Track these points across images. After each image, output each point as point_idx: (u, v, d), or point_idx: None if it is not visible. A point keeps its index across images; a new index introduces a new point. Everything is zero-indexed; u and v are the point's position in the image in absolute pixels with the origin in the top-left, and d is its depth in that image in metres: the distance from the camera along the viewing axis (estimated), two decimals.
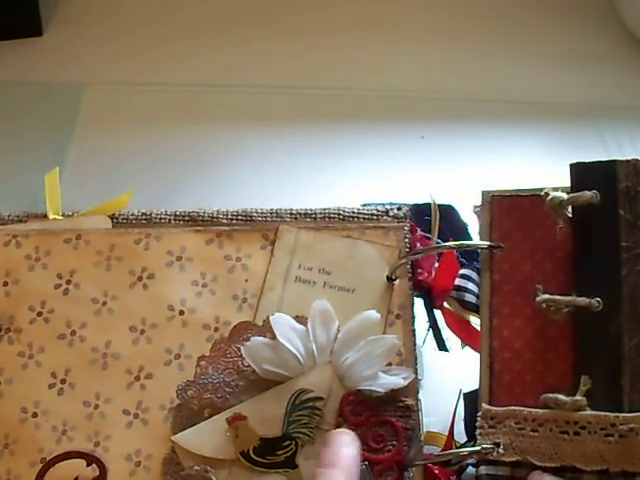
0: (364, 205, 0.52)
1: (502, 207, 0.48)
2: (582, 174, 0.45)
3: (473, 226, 0.50)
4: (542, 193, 0.46)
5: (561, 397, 0.42)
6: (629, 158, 0.43)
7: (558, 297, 0.44)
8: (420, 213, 0.51)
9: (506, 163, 0.66)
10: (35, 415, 0.46)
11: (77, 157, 0.64)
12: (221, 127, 0.67)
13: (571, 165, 0.45)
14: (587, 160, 0.45)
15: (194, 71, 0.71)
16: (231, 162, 0.65)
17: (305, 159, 0.66)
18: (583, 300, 0.43)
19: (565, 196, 0.45)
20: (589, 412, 0.41)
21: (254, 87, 0.70)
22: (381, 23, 0.74)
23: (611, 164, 0.44)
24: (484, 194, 0.49)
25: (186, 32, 0.74)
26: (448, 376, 0.52)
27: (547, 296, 0.44)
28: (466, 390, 0.47)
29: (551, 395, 0.42)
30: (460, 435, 0.47)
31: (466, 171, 0.64)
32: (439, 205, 0.51)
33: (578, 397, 0.42)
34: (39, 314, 0.48)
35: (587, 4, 0.76)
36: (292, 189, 0.63)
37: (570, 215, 0.45)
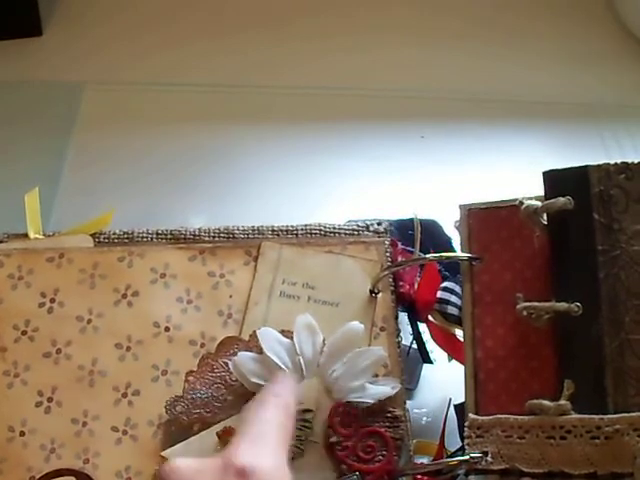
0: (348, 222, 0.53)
1: (479, 219, 0.49)
2: (555, 181, 0.45)
3: (457, 241, 0.50)
4: (517, 202, 0.46)
5: (545, 402, 0.42)
6: (600, 163, 0.44)
7: (537, 304, 0.44)
8: (404, 228, 0.52)
9: (506, 163, 0.66)
10: (22, 434, 0.46)
11: (77, 157, 0.63)
12: (222, 127, 0.67)
13: (544, 173, 0.46)
14: (561, 167, 0.45)
15: (194, 72, 0.71)
16: (233, 160, 0.65)
17: (304, 159, 0.66)
18: (562, 305, 0.43)
19: (539, 204, 0.45)
20: (574, 416, 0.41)
21: (254, 88, 0.70)
22: (381, 24, 0.75)
23: (583, 170, 0.44)
24: (462, 208, 0.49)
25: (186, 33, 0.74)
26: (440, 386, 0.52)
27: (527, 304, 0.44)
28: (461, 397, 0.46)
29: (536, 401, 0.42)
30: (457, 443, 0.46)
31: (466, 171, 0.64)
32: (423, 220, 0.51)
33: (562, 401, 0.42)
34: (24, 333, 0.48)
35: (587, 4, 0.77)
36: (291, 189, 0.63)
37: (546, 222, 0.45)
